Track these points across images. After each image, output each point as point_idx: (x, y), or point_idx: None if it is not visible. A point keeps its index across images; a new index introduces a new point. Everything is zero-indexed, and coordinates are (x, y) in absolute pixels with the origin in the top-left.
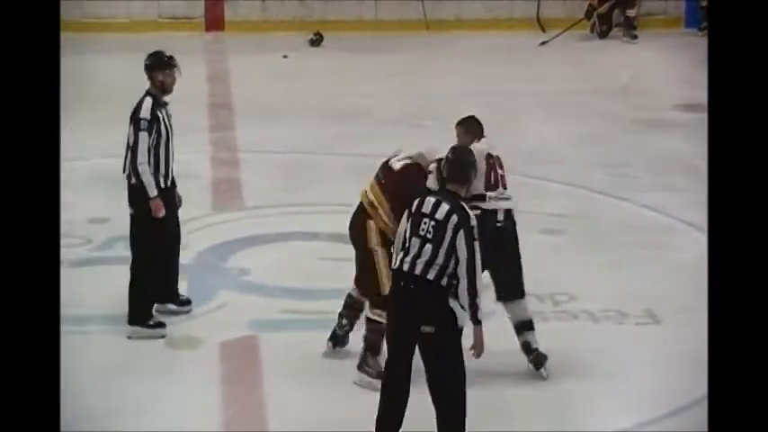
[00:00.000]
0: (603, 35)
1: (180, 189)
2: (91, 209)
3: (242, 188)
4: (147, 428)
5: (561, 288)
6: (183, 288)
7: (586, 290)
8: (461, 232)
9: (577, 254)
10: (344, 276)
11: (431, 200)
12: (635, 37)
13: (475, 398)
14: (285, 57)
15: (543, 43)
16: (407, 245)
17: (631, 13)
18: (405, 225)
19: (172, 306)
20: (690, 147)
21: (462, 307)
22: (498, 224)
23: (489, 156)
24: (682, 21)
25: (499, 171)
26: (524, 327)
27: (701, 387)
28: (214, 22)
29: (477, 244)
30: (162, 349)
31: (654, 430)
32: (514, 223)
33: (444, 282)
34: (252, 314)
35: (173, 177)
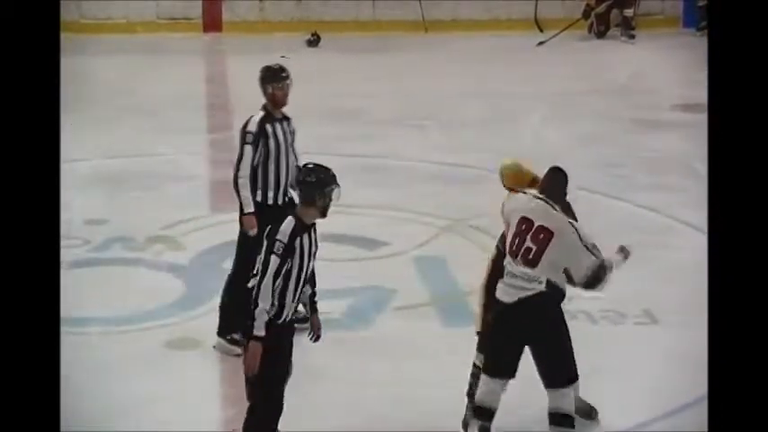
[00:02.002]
0: (601, 35)
1: (178, 190)
2: (89, 210)
3: None
4: (146, 428)
5: None
6: (182, 289)
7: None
8: (266, 243)
9: None
10: (342, 277)
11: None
12: (633, 37)
13: None
14: (283, 57)
15: (541, 43)
16: None
17: (629, 12)
18: None
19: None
20: (688, 147)
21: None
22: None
23: (524, 219)
24: (680, 20)
25: (528, 243)
26: (556, 421)
27: (699, 387)
28: (212, 22)
29: (275, 259)
30: (161, 350)
31: (653, 430)
32: (549, 305)
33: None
34: None
35: (289, 196)
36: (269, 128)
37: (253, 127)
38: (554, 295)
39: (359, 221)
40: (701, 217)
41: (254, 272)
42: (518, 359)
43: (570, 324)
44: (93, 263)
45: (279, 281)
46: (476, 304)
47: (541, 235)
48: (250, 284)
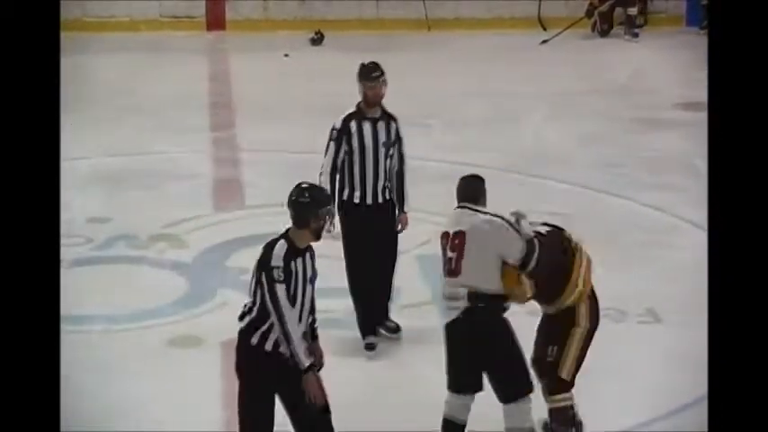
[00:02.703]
0: (604, 34)
1: (181, 188)
2: (92, 208)
3: (243, 187)
4: (147, 428)
5: None
6: (184, 287)
7: None
8: (262, 275)
9: None
10: (344, 274)
11: (269, 242)
12: (636, 35)
13: (477, 396)
14: (286, 56)
15: (544, 42)
16: None
17: (632, 11)
18: None
19: (382, 331)
20: (690, 145)
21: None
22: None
23: (445, 234)
24: (683, 19)
25: (449, 254)
26: None
27: (702, 386)
28: (215, 21)
29: (280, 286)
30: (163, 349)
31: (655, 430)
32: (482, 320)
33: (257, 335)
34: None
35: (386, 195)
36: (353, 126)
37: (338, 123)
38: (486, 307)
39: None
40: (703, 215)
41: (252, 305)
42: (476, 374)
43: None
44: (96, 261)
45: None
46: None
47: (456, 240)
48: (243, 323)
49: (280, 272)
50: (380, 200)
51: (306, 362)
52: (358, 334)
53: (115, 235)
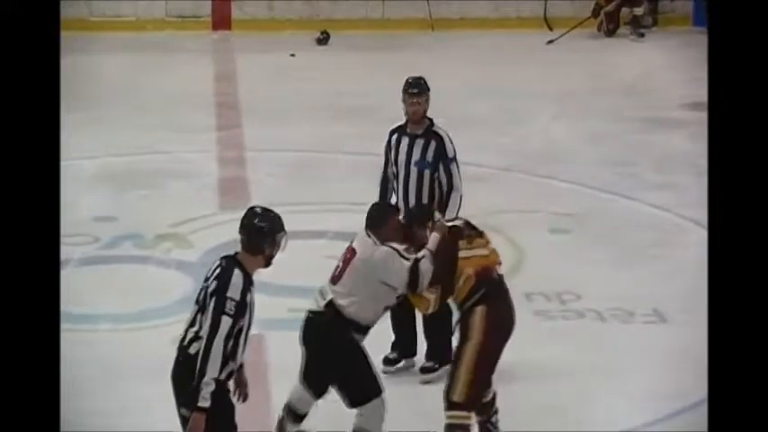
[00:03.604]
0: (611, 33)
1: (187, 187)
2: (98, 207)
3: (249, 187)
4: (153, 428)
5: (568, 287)
6: (190, 287)
7: (593, 289)
8: (213, 301)
9: (584, 252)
10: None
11: (216, 262)
12: (642, 35)
13: None
14: (292, 55)
15: (550, 42)
16: (192, 312)
17: (639, 11)
18: None
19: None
20: (696, 145)
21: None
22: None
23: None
24: (690, 19)
25: (339, 263)
26: None
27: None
28: (221, 20)
29: (227, 319)
30: (169, 348)
31: (662, 429)
32: (327, 326)
33: None
34: (258, 313)
35: (416, 210)
36: (394, 139)
37: (388, 134)
38: (332, 318)
39: None
40: None
41: (193, 330)
42: (317, 376)
43: (579, 322)
44: (102, 260)
45: (230, 343)
46: None
47: (348, 254)
48: (192, 350)
49: (233, 305)
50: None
51: (206, 402)
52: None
53: (121, 234)
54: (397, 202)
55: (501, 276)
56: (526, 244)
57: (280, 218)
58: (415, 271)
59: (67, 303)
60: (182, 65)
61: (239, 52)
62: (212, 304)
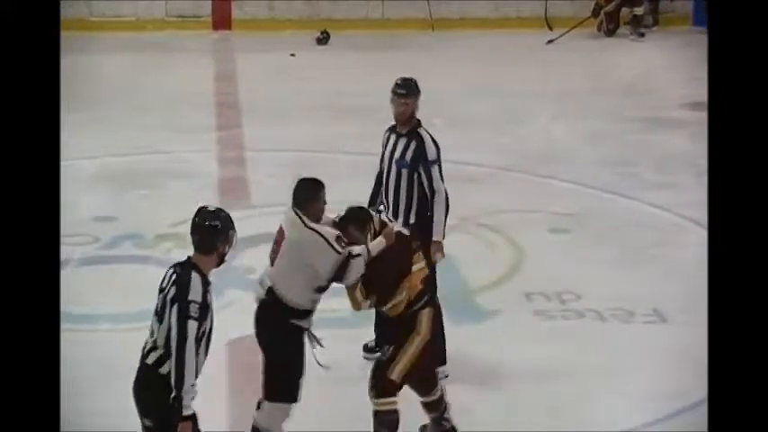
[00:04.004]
0: (611, 33)
1: (187, 187)
2: (98, 207)
3: (249, 186)
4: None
5: (568, 287)
6: None
7: (593, 288)
8: (175, 307)
9: (584, 252)
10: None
11: (170, 270)
12: (642, 35)
13: (480, 395)
14: (292, 55)
15: (550, 42)
16: (151, 324)
17: (639, 11)
18: None
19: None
20: (697, 145)
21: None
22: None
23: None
24: (689, 19)
25: (273, 245)
26: None
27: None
28: (221, 20)
29: (192, 323)
30: None
31: (662, 429)
32: (267, 314)
33: (165, 368)
34: None
35: (410, 219)
36: (386, 137)
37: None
38: (273, 305)
39: None
40: None
41: (151, 340)
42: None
43: (579, 322)
44: (102, 260)
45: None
46: (484, 302)
47: (278, 236)
48: (150, 360)
49: (196, 308)
50: (401, 220)
51: (190, 410)
52: (364, 331)
53: (121, 234)
54: (380, 198)
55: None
56: (526, 244)
57: (230, 216)
58: (344, 264)
59: (67, 303)
60: (182, 65)
61: (239, 52)
62: (174, 311)
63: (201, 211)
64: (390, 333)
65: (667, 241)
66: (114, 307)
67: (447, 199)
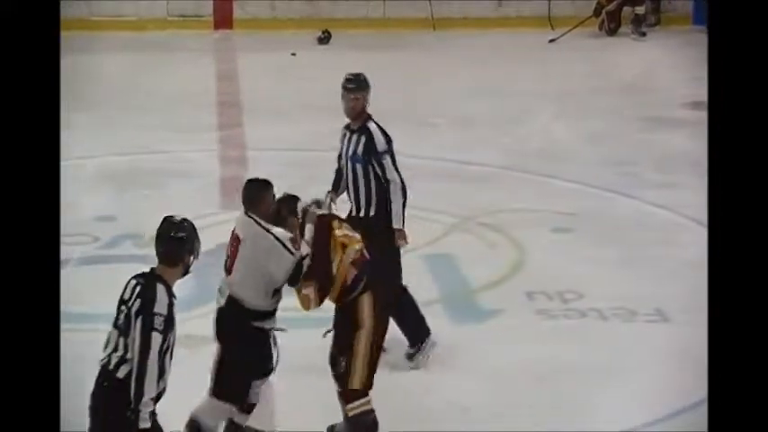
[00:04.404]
0: (612, 33)
1: (188, 187)
2: (98, 207)
3: None
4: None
5: (570, 286)
6: (191, 286)
7: (595, 288)
8: (139, 319)
9: (586, 252)
10: None
11: (132, 282)
12: (643, 34)
13: (481, 395)
14: (293, 54)
15: (552, 41)
16: (109, 337)
17: (640, 10)
18: None
19: None
20: (698, 144)
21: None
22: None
23: (232, 233)
24: (690, 18)
25: (229, 252)
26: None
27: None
28: (223, 20)
29: (157, 336)
30: None
31: (663, 429)
32: (226, 320)
33: None
34: None
35: (370, 211)
36: (341, 134)
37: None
38: (232, 310)
39: None
40: None
41: (117, 355)
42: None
43: (581, 321)
44: (102, 260)
45: (163, 360)
46: (486, 301)
47: (234, 243)
48: (121, 374)
49: (161, 321)
50: (362, 213)
51: (146, 423)
52: None
53: (121, 234)
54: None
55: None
56: (528, 243)
57: (194, 226)
58: (299, 267)
59: (67, 303)
60: (183, 64)
61: (241, 51)
62: (139, 323)
63: (166, 222)
64: (337, 328)
65: (669, 241)
66: (114, 307)
67: (404, 187)
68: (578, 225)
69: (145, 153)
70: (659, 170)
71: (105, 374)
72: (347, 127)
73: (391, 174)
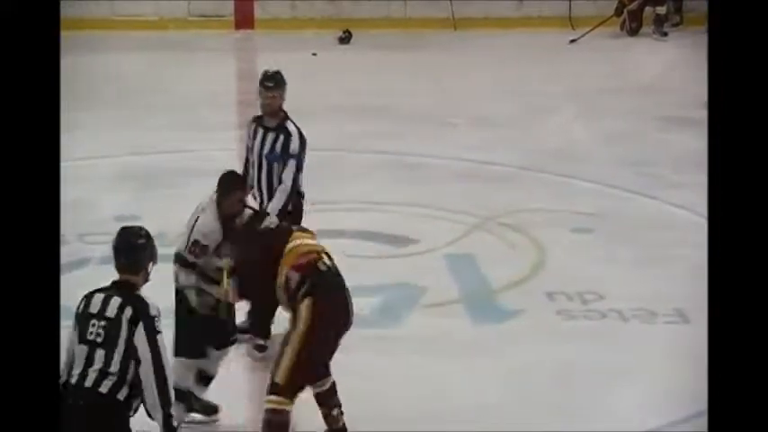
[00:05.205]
0: (633, 33)
1: (208, 186)
2: (120, 206)
3: None
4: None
5: (590, 287)
6: None
7: (615, 289)
8: (140, 326)
9: (606, 252)
10: (372, 274)
11: (99, 296)
12: (665, 34)
13: (500, 395)
14: (314, 54)
15: (573, 41)
16: (73, 354)
17: (661, 10)
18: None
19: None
20: None
21: (150, 416)
22: None
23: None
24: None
25: None
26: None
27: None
28: (244, 20)
29: (161, 337)
30: None
31: (685, 430)
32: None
33: (123, 394)
34: (277, 311)
35: (261, 206)
36: (252, 129)
37: (247, 129)
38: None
39: (389, 219)
40: None
41: (95, 369)
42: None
43: (601, 322)
44: None
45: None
46: (506, 301)
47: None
48: (104, 388)
49: (159, 323)
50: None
51: (176, 425)
52: (386, 331)
53: None
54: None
55: (330, 268)
56: (548, 243)
57: (150, 234)
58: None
59: None
60: (204, 64)
61: (261, 51)
62: (142, 330)
63: (123, 232)
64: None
65: (689, 241)
66: None
67: (290, 194)
68: (598, 225)
69: (166, 152)
70: (679, 170)
71: (81, 393)
72: (259, 122)
73: (287, 176)
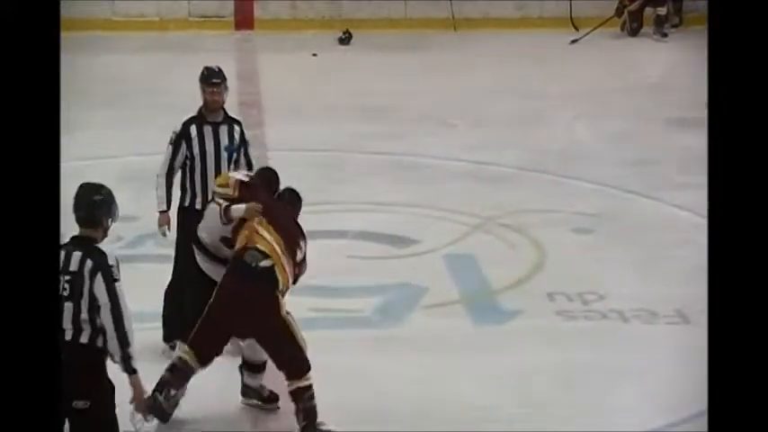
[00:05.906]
0: (634, 33)
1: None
2: (121, 206)
3: None
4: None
5: (591, 287)
6: None
7: (616, 289)
8: (98, 276)
9: (607, 253)
10: (373, 274)
11: (61, 252)
12: (665, 35)
13: (501, 396)
14: (314, 55)
15: (574, 41)
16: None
17: (662, 11)
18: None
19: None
20: None
21: (112, 357)
22: None
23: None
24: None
25: None
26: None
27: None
28: (244, 20)
29: (118, 285)
30: None
31: (684, 430)
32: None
33: (100, 341)
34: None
35: (200, 202)
36: (193, 130)
37: (177, 128)
38: None
39: (390, 219)
40: None
41: (75, 324)
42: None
43: (601, 323)
44: (125, 259)
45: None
46: (506, 302)
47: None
48: (84, 338)
49: (117, 272)
50: (198, 205)
51: (136, 365)
52: (387, 331)
53: (144, 233)
54: (187, 195)
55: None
56: (549, 244)
57: (111, 191)
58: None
59: None
60: (204, 64)
61: (262, 52)
62: (100, 278)
63: (82, 189)
64: None
65: (690, 242)
66: (137, 306)
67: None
68: (599, 226)
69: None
70: (680, 171)
71: (67, 344)
72: (203, 121)
73: (252, 161)
